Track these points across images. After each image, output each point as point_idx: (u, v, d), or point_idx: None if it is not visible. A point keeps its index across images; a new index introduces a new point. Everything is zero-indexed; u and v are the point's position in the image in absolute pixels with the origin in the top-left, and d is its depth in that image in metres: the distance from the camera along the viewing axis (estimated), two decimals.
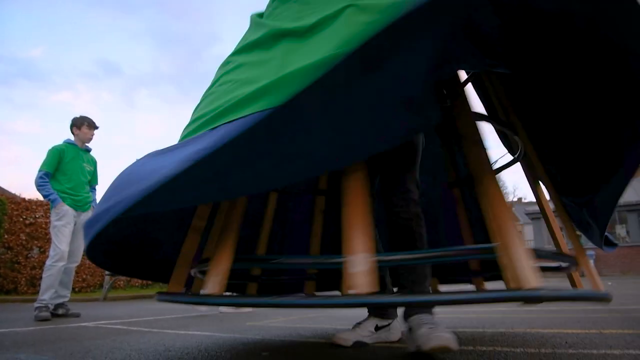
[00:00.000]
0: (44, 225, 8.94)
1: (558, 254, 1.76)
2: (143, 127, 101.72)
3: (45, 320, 3.77)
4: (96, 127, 4.52)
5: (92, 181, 4.54)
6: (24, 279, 8.63)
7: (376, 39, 0.95)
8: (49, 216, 4.18)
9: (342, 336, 1.97)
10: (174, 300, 1.71)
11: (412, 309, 1.78)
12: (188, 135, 1.57)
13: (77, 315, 4.18)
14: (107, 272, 8.03)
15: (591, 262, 1.84)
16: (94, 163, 4.57)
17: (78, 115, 4.46)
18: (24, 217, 9.11)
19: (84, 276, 9.74)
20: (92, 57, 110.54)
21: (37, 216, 9.25)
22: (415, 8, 0.92)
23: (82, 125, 4.42)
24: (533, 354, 1.71)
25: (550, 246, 2.14)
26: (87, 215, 4.36)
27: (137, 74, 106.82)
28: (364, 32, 0.95)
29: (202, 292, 1.55)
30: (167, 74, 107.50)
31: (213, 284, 1.48)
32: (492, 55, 1.53)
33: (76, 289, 9.32)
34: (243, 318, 3.69)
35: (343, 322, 3.07)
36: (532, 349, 1.80)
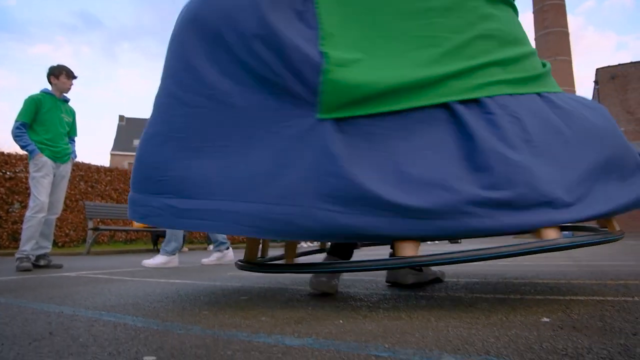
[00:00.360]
0: (24, 180, 8.81)
1: None
2: (125, 81, 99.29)
3: (26, 270, 3.78)
4: (75, 77, 4.39)
5: (71, 132, 4.45)
6: (5, 233, 8.58)
7: None
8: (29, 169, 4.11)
9: (320, 280, 1.94)
10: (254, 270, 1.99)
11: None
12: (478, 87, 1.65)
13: (59, 267, 4.19)
14: (89, 227, 8.01)
15: None
16: (72, 114, 4.46)
17: (55, 64, 4.32)
18: (4, 171, 8.95)
19: (67, 231, 9.72)
20: (71, 8, 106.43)
21: (17, 170, 9.10)
22: None
23: (61, 74, 4.28)
24: (501, 299, 1.77)
25: None
26: (67, 167, 4.30)
27: (118, 26, 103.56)
28: None
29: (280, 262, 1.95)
30: (150, 27, 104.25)
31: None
32: None
33: (59, 244, 9.31)
34: (224, 269, 3.74)
35: None
36: (501, 295, 1.87)
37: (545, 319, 1.34)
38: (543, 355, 0.95)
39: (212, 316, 1.49)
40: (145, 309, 1.66)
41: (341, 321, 1.36)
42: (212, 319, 1.43)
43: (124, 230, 9.68)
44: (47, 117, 4.16)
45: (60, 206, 4.32)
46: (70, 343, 1.14)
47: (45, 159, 4.05)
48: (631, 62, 21.95)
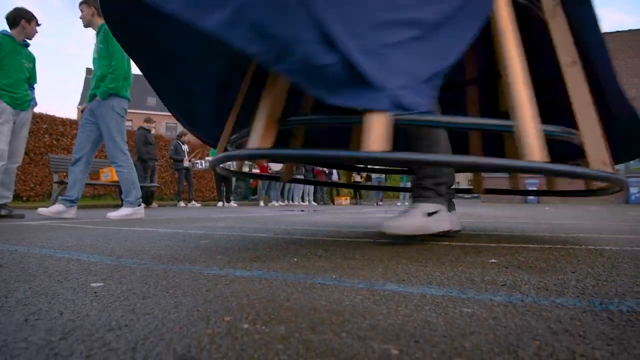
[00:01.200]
0: None
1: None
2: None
3: None
4: (39, 24, 4.22)
5: (31, 79, 4.25)
6: None
7: None
8: None
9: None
10: (229, 156, 1.70)
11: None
12: None
13: (21, 216, 4.10)
14: (54, 181, 7.83)
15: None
16: (32, 59, 4.27)
17: (19, 7, 4.09)
18: None
19: (32, 185, 9.50)
20: None
21: None
22: None
23: (32, 19, 4.08)
24: (456, 246, 1.83)
25: None
26: (27, 114, 4.15)
27: None
28: None
29: (249, 146, 1.47)
30: None
31: (260, 137, 1.44)
32: None
33: (23, 198, 9.11)
34: (190, 220, 3.74)
35: (287, 225, 3.16)
36: (456, 243, 1.93)
37: (493, 260, 1.39)
38: (482, 286, 0.99)
39: (168, 255, 1.50)
40: (102, 249, 1.65)
41: (295, 259, 1.39)
42: (167, 257, 1.44)
43: (91, 185, 9.50)
44: (6, 61, 3.97)
45: (20, 155, 4.19)
46: (19, 273, 1.13)
47: (4, 105, 3.89)
48: (604, 33, 22.18)
